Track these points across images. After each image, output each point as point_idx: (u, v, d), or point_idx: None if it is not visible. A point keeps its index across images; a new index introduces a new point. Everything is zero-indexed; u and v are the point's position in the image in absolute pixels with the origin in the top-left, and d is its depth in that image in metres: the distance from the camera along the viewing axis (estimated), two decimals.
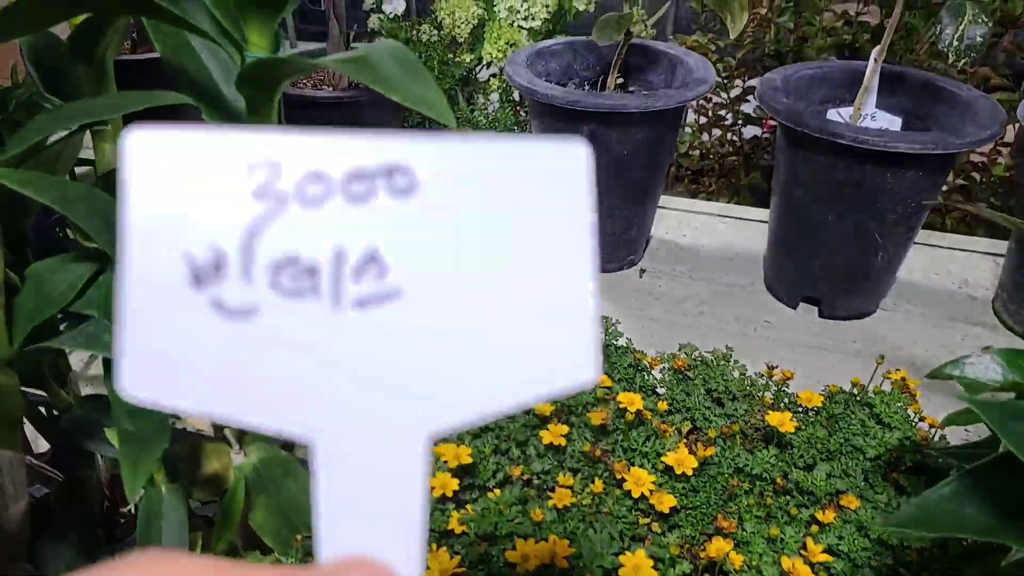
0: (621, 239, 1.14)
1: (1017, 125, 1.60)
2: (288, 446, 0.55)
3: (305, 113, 1.15)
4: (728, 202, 1.78)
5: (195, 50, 0.48)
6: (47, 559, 0.51)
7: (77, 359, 0.96)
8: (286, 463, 0.50)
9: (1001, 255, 1.19)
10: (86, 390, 0.57)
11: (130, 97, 0.42)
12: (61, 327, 0.51)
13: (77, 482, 0.55)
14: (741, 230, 1.29)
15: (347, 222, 0.21)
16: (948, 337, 1.04)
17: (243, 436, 0.51)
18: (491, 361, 0.22)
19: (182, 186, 0.20)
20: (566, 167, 0.22)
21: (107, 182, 0.52)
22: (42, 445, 0.62)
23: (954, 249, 1.24)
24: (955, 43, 0.85)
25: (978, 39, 0.84)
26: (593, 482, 0.60)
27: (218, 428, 0.51)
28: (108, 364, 0.43)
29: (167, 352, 0.20)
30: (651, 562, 0.49)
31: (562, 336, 0.22)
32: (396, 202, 0.21)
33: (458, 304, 0.21)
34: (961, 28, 0.84)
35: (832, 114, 1.07)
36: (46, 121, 0.43)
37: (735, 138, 1.89)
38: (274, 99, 0.45)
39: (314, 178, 0.21)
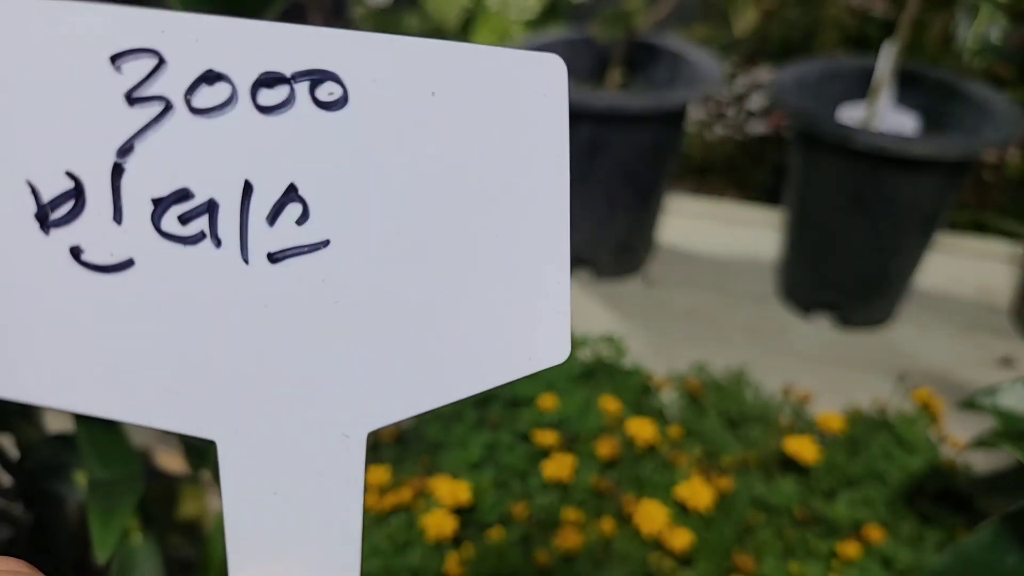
0: (625, 247, 1.10)
1: None
2: None
3: None
4: (737, 204, 1.73)
5: None
6: None
7: None
8: None
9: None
10: (55, 425, 0.53)
11: None
12: None
13: (45, 524, 0.51)
14: (752, 234, 1.25)
15: (256, 145, 0.15)
16: (965, 346, 1.00)
17: None
18: (442, 335, 0.17)
19: (20, 82, 0.14)
20: (540, 86, 0.17)
21: None
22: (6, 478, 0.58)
23: (970, 254, 1.20)
24: (970, 44, 0.81)
25: (993, 40, 0.80)
26: (600, 518, 0.56)
27: (194, 466, 0.47)
28: None
29: (3, 321, 0.15)
30: None
31: (528, 304, 0.17)
32: (322, 122, 0.15)
33: (400, 260, 0.16)
34: (977, 28, 0.80)
35: (846, 112, 1.03)
36: None
37: (740, 135, 1.85)
38: None
39: (213, 79, 0.15)
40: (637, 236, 1.10)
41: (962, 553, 0.35)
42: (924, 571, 0.33)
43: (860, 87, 1.07)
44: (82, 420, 0.42)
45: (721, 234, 1.25)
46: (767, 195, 1.77)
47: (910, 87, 1.04)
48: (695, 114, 1.93)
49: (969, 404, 0.45)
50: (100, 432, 0.42)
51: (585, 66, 1.17)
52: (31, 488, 0.49)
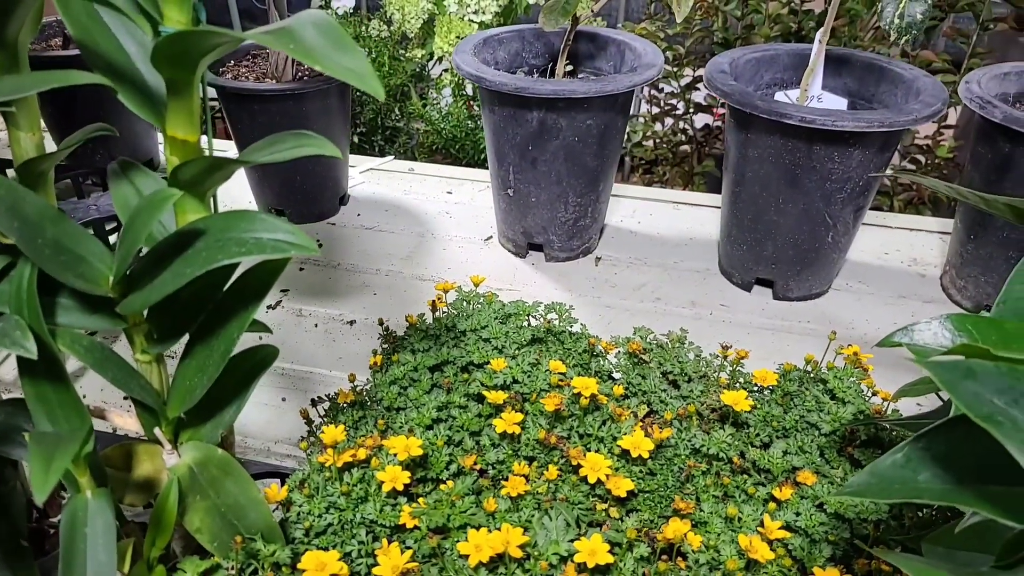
0: (575, 227, 1.13)
1: (959, 107, 1.63)
2: (225, 444, 0.53)
3: (247, 106, 1.12)
4: (683, 190, 1.78)
5: (109, 29, 0.45)
6: None
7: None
8: (224, 463, 0.47)
9: (947, 233, 1.21)
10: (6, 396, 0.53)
11: (39, 77, 0.40)
12: None
13: (0, 493, 0.52)
14: (695, 216, 1.29)
15: None
16: (899, 314, 1.05)
17: (177, 435, 0.48)
18: None
19: None
20: None
21: (23, 172, 0.49)
22: None
23: (903, 229, 1.26)
24: (896, 20, 0.85)
25: (918, 16, 0.85)
26: (548, 469, 0.59)
27: (149, 428, 0.48)
28: (24, 362, 0.40)
29: None
30: (607, 547, 0.48)
31: None
32: None
33: None
34: (902, 6, 0.85)
35: (780, 96, 1.07)
36: None
37: (687, 127, 1.90)
38: (194, 80, 0.43)
39: None
40: (587, 218, 1.13)
41: (878, 472, 0.38)
42: (844, 489, 0.36)
43: (794, 72, 1.11)
44: (30, 378, 0.43)
45: (667, 218, 1.29)
46: (712, 183, 1.82)
47: (841, 70, 1.09)
48: (643, 108, 1.98)
49: (887, 343, 0.48)
50: (48, 389, 0.43)
51: (536, 57, 1.20)
52: None
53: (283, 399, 0.91)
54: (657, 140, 1.92)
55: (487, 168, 1.63)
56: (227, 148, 1.41)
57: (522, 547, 0.48)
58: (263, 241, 0.40)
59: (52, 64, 1.20)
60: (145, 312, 0.45)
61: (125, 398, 0.85)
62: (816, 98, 1.05)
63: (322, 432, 0.57)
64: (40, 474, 0.33)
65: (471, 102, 1.88)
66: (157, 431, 0.47)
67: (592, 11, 1.06)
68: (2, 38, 0.49)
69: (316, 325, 1.02)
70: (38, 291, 0.40)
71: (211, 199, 0.47)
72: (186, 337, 0.47)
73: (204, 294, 0.44)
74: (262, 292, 0.44)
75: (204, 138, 0.50)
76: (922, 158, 1.69)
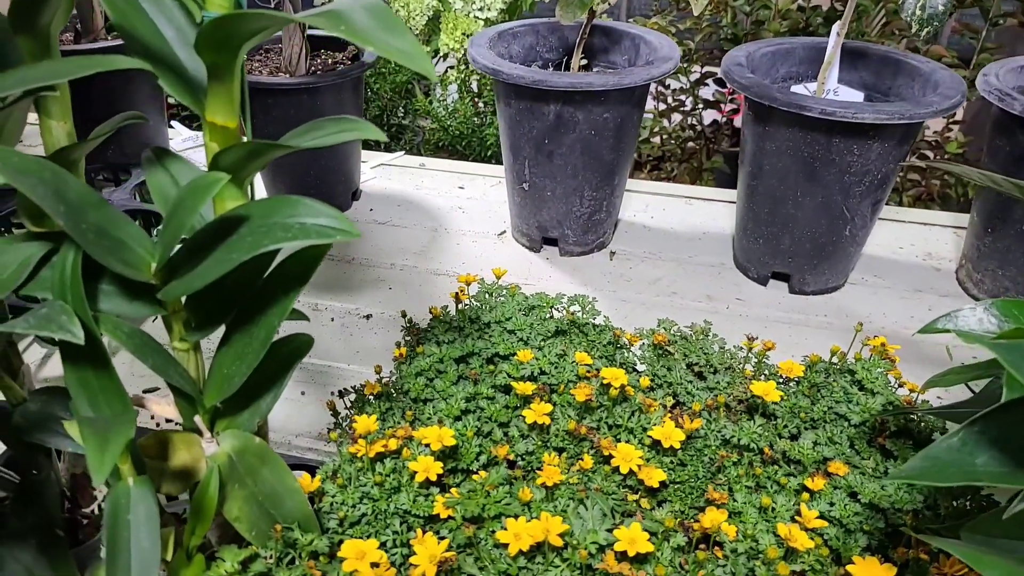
0: (590, 221, 1.13)
1: (967, 104, 1.63)
2: (260, 433, 0.53)
3: (261, 100, 1.11)
4: (691, 185, 1.78)
5: (146, 13, 0.45)
6: (6, 565, 0.47)
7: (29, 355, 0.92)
8: (261, 451, 0.47)
9: (961, 227, 1.21)
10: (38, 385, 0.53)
11: (77, 61, 0.39)
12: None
13: (34, 483, 0.51)
14: (708, 210, 1.29)
15: None
16: (915, 308, 1.05)
17: (215, 423, 0.48)
18: None
19: None
20: None
21: (56, 161, 0.49)
22: None
23: (916, 223, 1.26)
24: (917, 12, 0.85)
25: (940, 8, 0.84)
26: (579, 459, 0.59)
27: (187, 416, 0.48)
28: (67, 348, 0.40)
29: None
30: (646, 535, 0.48)
31: None
32: None
33: None
34: None
35: (797, 90, 1.07)
36: None
37: (695, 123, 1.89)
38: (236, 65, 0.43)
39: None
40: (602, 212, 1.12)
41: (933, 456, 0.37)
42: (899, 473, 0.36)
43: (809, 66, 1.11)
44: (72, 364, 0.42)
45: (680, 212, 1.28)
46: (720, 179, 1.82)
47: (857, 63, 1.09)
48: (650, 104, 1.97)
49: (930, 329, 0.48)
50: (91, 375, 0.42)
51: (550, 51, 1.20)
52: (20, 443, 0.50)
53: (302, 392, 0.90)
54: (664, 136, 1.91)
55: (494, 164, 1.63)
56: None
57: (561, 536, 0.48)
58: (307, 226, 0.39)
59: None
60: (183, 299, 0.45)
61: (145, 391, 0.85)
62: (832, 91, 1.05)
63: (354, 422, 0.57)
64: (96, 457, 0.33)
65: (476, 99, 1.88)
66: (197, 419, 0.46)
67: (609, 3, 1.06)
68: (35, 27, 0.48)
69: (333, 319, 1.02)
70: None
71: (249, 186, 0.47)
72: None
73: (244, 281, 0.44)
74: (304, 278, 0.44)
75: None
76: (931, 153, 1.69)
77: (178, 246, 0.42)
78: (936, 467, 0.34)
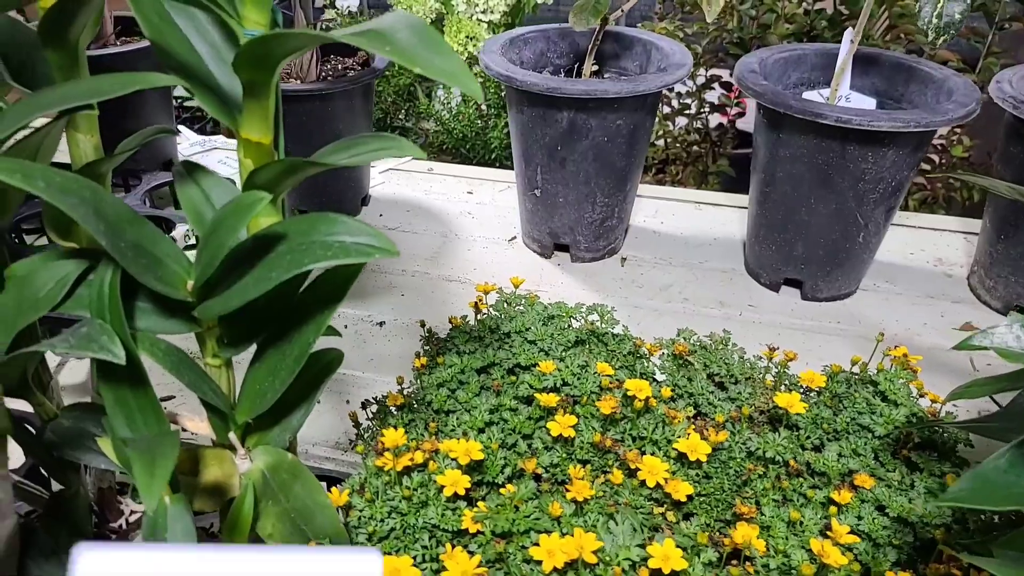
0: (602, 228, 1.13)
1: None
2: (290, 449, 0.53)
3: None
4: (697, 190, 1.78)
5: (180, 30, 0.45)
6: None
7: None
8: (294, 467, 0.47)
9: (971, 232, 1.21)
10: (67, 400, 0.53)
11: (119, 79, 0.39)
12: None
13: (63, 498, 0.51)
14: (718, 216, 1.29)
15: None
16: (928, 315, 1.05)
17: (245, 439, 0.48)
18: None
19: None
20: None
21: (84, 175, 0.48)
22: (14, 460, 0.57)
23: (926, 228, 1.26)
24: (934, 20, 0.85)
25: (956, 16, 0.84)
26: (606, 472, 0.58)
27: (221, 433, 0.48)
28: (103, 366, 0.39)
29: None
30: (680, 552, 0.48)
31: None
32: None
33: None
34: (940, 5, 0.85)
35: (810, 96, 1.07)
36: (24, 107, 0.40)
37: (701, 126, 1.89)
38: (272, 82, 0.42)
39: None
40: (613, 218, 1.12)
41: (982, 477, 0.37)
42: (946, 497, 0.36)
43: (822, 72, 1.11)
44: (108, 383, 0.42)
45: (690, 217, 1.28)
46: (726, 183, 1.82)
47: (870, 70, 1.09)
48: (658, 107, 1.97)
49: (966, 346, 0.48)
50: (128, 394, 0.42)
51: (560, 57, 1.19)
52: (50, 458, 0.49)
53: (318, 401, 0.90)
54: (669, 140, 1.92)
55: (499, 167, 1.62)
56: None
57: (595, 552, 0.48)
58: (347, 245, 0.39)
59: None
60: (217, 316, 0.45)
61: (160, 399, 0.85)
62: (844, 98, 1.05)
63: (381, 435, 0.57)
64: (146, 481, 0.33)
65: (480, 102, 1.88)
66: (231, 435, 0.46)
67: (623, 10, 1.06)
68: (64, 40, 0.48)
69: (346, 327, 1.02)
70: None
71: (282, 203, 0.47)
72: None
73: (280, 298, 0.44)
74: (339, 296, 0.43)
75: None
76: (936, 158, 1.69)
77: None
78: (985, 489, 0.34)
